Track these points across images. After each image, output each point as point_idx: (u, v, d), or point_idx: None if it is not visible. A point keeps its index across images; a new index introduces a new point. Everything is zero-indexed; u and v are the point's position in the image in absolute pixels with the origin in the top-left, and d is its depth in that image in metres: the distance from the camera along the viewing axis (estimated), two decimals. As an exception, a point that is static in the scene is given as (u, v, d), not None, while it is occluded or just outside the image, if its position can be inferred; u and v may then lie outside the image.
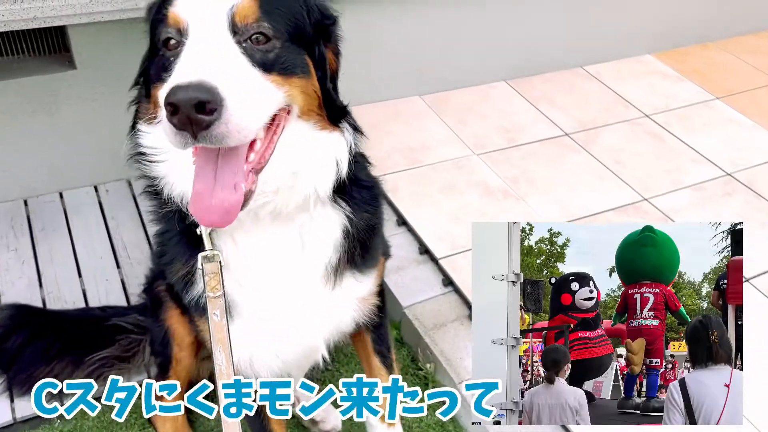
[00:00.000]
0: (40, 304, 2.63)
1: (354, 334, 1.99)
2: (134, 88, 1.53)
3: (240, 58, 1.25)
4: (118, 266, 2.85)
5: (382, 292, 1.93)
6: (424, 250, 2.87)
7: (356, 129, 1.56)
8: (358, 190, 1.63)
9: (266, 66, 1.28)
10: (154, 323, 2.14)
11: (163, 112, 1.15)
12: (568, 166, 3.45)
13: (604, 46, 4.36)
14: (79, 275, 2.80)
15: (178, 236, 1.61)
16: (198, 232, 1.49)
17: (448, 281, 2.74)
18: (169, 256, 1.67)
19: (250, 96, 1.21)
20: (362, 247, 1.67)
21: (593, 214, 3.15)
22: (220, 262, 1.47)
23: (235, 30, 1.27)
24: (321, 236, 1.58)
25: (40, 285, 2.72)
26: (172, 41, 1.30)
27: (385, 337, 1.99)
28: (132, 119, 1.52)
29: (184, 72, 1.17)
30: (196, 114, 1.10)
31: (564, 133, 3.69)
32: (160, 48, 1.34)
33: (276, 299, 1.59)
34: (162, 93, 1.18)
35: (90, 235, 2.97)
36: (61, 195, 3.14)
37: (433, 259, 2.83)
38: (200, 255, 1.48)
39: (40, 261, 2.82)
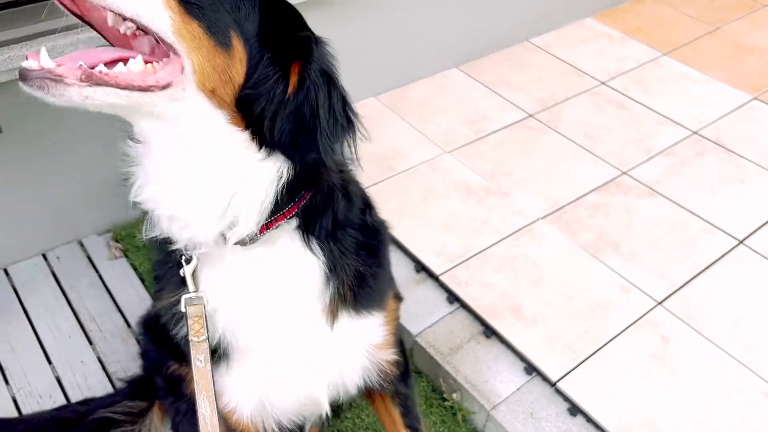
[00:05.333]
0: (10, 405, 2.33)
1: (375, 398, 1.83)
2: None
3: None
4: (91, 343, 2.56)
5: (404, 351, 1.77)
6: (421, 268, 2.71)
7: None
8: (349, 232, 1.44)
9: None
10: (177, 402, 1.89)
11: None
12: (541, 150, 3.35)
13: (545, 15, 4.27)
14: (49, 362, 2.49)
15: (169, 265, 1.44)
16: (181, 273, 1.33)
17: (453, 298, 2.60)
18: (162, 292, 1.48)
19: None
20: (359, 288, 1.48)
21: (578, 198, 3.07)
22: (204, 305, 1.33)
23: None
24: (305, 276, 1.39)
25: (6, 382, 2.41)
26: None
27: (413, 407, 1.84)
28: None
29: None
30: None
31: (528, 115, 3.58)
32: None
33: (277, 337, 1.42)
34: None
35: (51, 313, 2.65)
36: (6, 272, 2.79)
37: (433, 276, 2.67)
38: (183, 297, 1.33)
39: None
